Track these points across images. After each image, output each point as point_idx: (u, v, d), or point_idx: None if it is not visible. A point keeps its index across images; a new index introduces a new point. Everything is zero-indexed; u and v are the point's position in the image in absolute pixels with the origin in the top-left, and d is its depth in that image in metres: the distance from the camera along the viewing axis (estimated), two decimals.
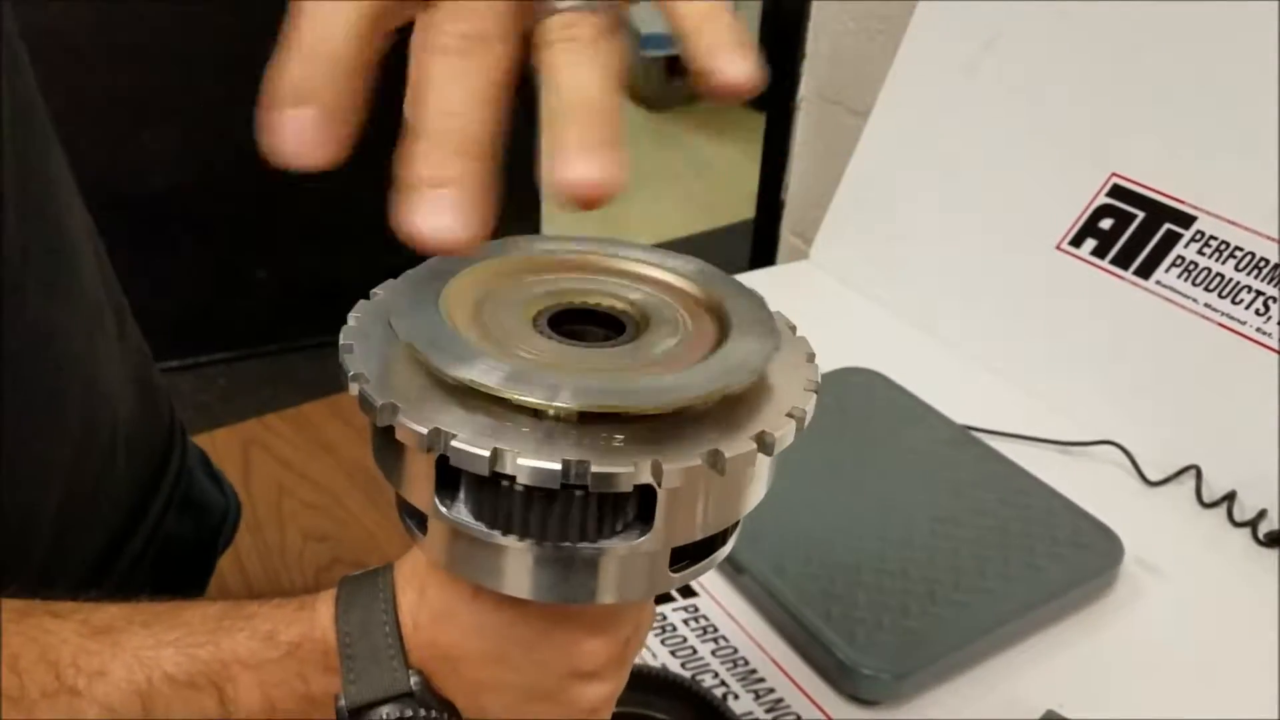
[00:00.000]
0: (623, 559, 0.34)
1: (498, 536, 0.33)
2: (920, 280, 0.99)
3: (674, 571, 0.36)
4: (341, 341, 0.35)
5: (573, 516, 0.32)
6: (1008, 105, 0.95)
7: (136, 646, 0.37)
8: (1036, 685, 0.62)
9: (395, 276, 0.39)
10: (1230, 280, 0.79)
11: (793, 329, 0.39)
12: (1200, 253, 0.81)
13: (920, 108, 1.03)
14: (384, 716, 0.37)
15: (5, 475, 0.47)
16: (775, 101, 1.29)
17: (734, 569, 0.68)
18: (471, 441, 0.30)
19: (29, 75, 0.49)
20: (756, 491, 0.36)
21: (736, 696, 0.61)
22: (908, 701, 0.61)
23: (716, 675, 0.63)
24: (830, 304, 1.03)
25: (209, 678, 0.37)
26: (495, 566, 0.35)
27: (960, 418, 0.81)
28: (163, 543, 0.60)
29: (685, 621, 0.66)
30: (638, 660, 0.55)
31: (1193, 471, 0.78)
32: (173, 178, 1.95)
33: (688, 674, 0.62)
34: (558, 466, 0.30)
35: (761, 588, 0.66)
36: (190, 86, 1.90)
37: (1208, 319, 0.80)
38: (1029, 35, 0.94)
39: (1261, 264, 0.78)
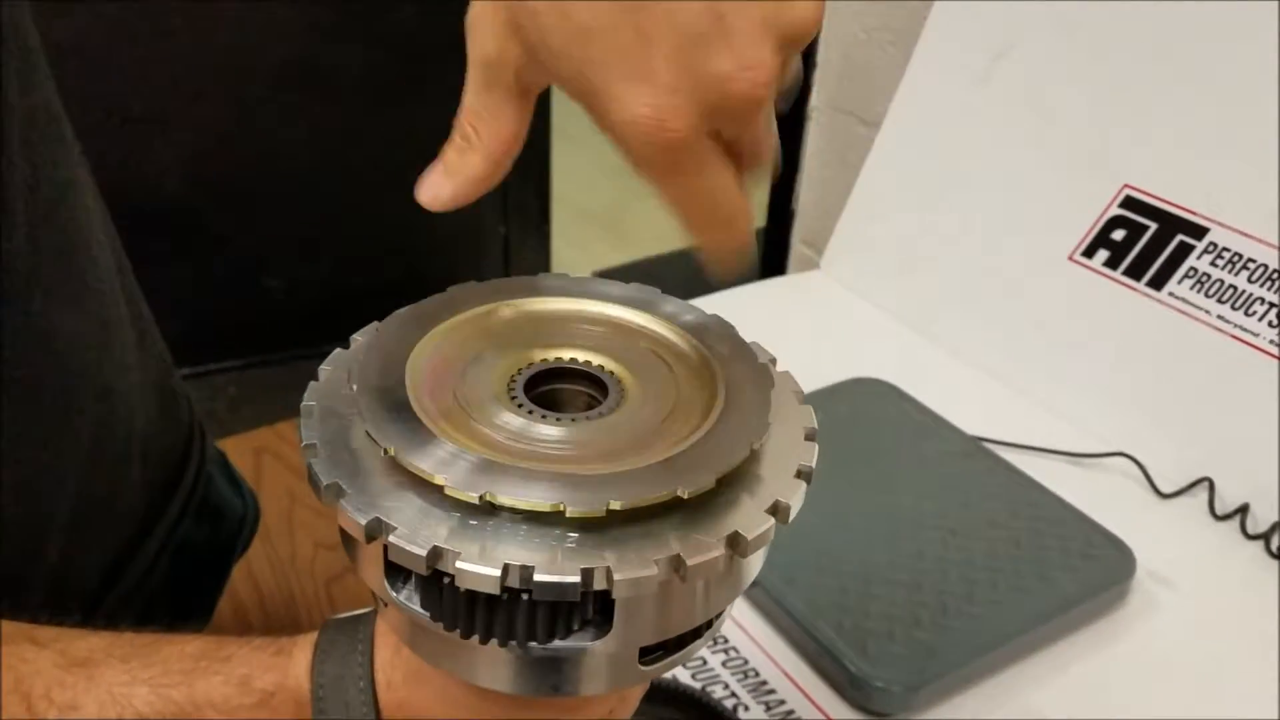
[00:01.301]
0: (582, 658, 0.32)
1: (444, 630, 0.31)
2: (931, 291, 0.99)
3: (645, 664, 0.33)
4: (304, 402, 0.33)
5: (518, 620, 0.30)
6: (1019, 116, 0.95)
7: (111, 682, 0.36)
8: (1048, 698, 0.62)
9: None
10: (1243, 292, 0.79)
11: (798, 395, 0.36)
12: (1213, 264, 0.81)
13: (932, 118, 1.02)
14: None
15: (15, 482, 0.47)
16: (787, 111, 1.29)
17: None
18: (410, 539, 0.28)
19: (46, 80, 0.49)
20: (740, 582, 0.33)
21: (747, 708, 0.61)
22: (919, 714, 0.61)
23: (727, 687, 0.62)
24: (841, 314, 1.03)
25: None
26: (450, 655, 0.33)
27: (971, 429, 0.81)
28: (177, 549, 0.60)
29: None
30: None
31: (1205, 484, 0.77)
32: (184, 187, 1.96)
33: (698, 685, 0.62)
34: (497, 573, 0.28)
35: (772, 599, 0.66)
36: (202, 97, 1.90)
37: (1221, 331, 0.80)
38: (1040, 46, 0.94)
39: (1275, 276, 0.78)
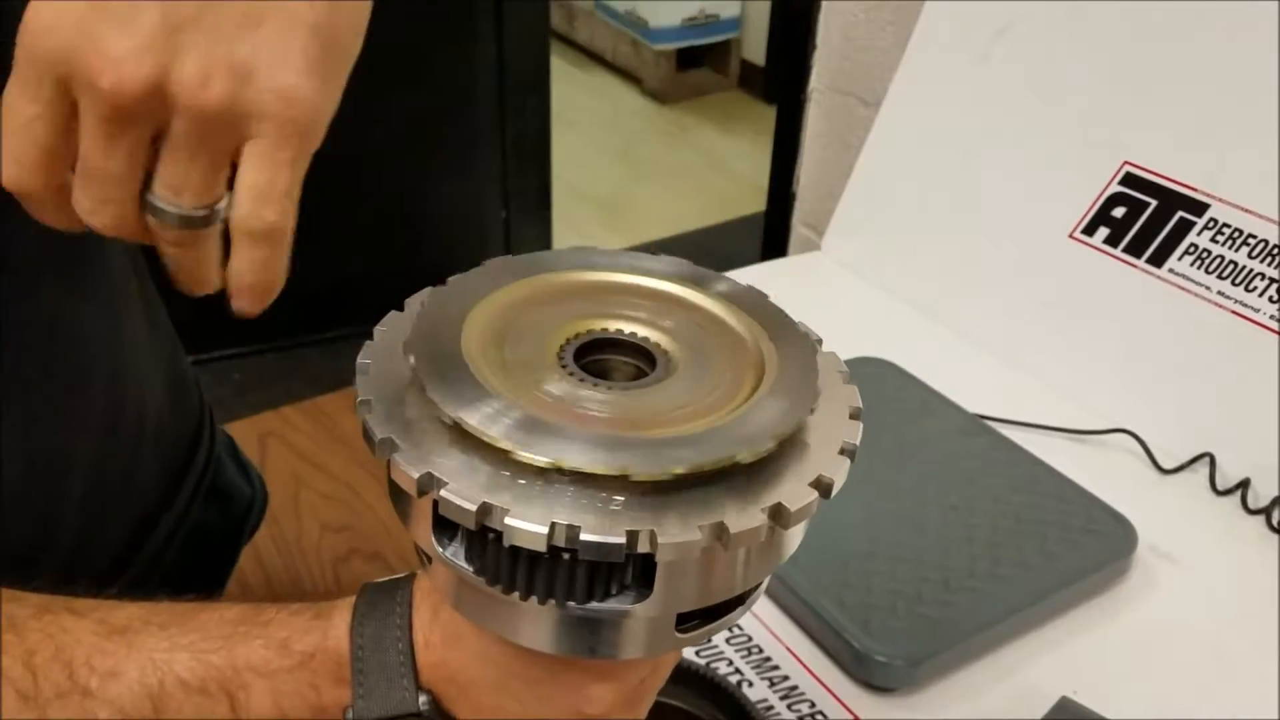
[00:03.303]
0: (621, 621, 0.32)
1: (489, 587, 0.32)
2: (932, 270, 0.99)
3: (682, 632, 0.34)
4: (359, 360, 0.34)
5: (562, 578, 0.30)
6: (1019, 94, 0.95)
7: (151, 648, 0.37)
8: (1051, 672, 0.63)
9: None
10: (1244, 268, 0.79)
11: (844, 375, 0.37)
12: (1213, 240, 0.81)
13: (932, 97, 1.02)
14: None
15: (29, 462, 0.47)
16: (786, 93, 1.29)
17: None
18: (461, 493, 0.29)
19: None
20: (780, 554, 0.34)
21: (751, 684, 0.62)
22: (922, 688, 0.62)
23: (731, 663, 0.63)
24: (842, 295, 1.03)
25: (221, 684, 0.37)
26: (493, 612, 0.34)
27: (973, 407, 0.81)
28: (188, 531, 0.61)
29: None
30: None
31: (1206, 459, 0.78)
32: None
33: (702, 662, 0.62)
34: (544, 530, 0.28)
35: (776, 576, 0.66)
36: None
37: (1221, 307, 0.80)
38: (1040, 24, 0.94)
39: (1275, 251, 0.78)
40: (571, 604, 0.31)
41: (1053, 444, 0.80)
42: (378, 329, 0.35)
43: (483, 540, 0.30)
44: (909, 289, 1.00)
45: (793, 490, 0.31)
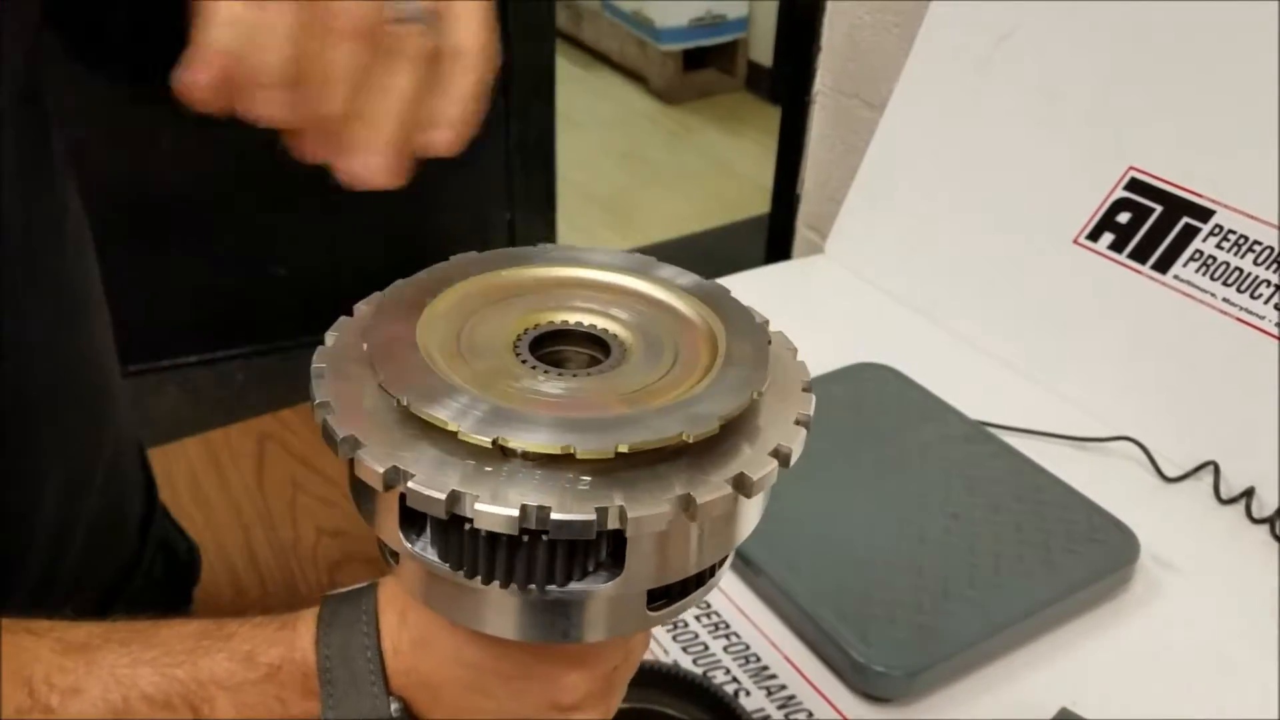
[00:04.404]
0: (594, 601, 0.33)
1: (462, 577, 0.32)
2: (936, 274, 0.99)
3: (653, 610, 0.35)
4: (314, 364, 0.34)
5: (535, 561, 0.31)
6: (1024, 98, 0.94)
7: (113, 664, 0.37)
8: (1051, 683, 0.62)
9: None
10: (1249, 274, 0.78)
11: (793, 352, 0.37)
12: (1219, 247, 0.80)
13: (936, 101, 1.02)
14: None
15: (56, 488, 0.47)
16: (791, 95, 1.29)
17: (747, 565, 0.67)
18: (429, 483, 0.29)
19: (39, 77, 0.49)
20: (742, 528, 0.35)
21: (748, 693, 0.61)
22: (921, 699, 0.61)
23: (728, 672, 0.63)
24: (845, 298, 1.02)
25: (185, 698, 0.36)
26: (464, 604, 0.34)
27: (975, 413, 0.81)
28: (150, 583, 0.61)
29: (697, 618, 0.66)
30: (648, 656, 0.55)
31: (1210, 468, 0.77)
32: (191, 176, 1.96)
33: (699, 671, 0.62)
34: (515, 513, 0.29)
35: (774, 584, 0.66)
36: None
37: (1226, 313, 0.79)
38: (1045, 27, 0.93)
39: None
40: (548, 587, 0.31)
41: (1055, 451, 0.80)
42: (329, 334, 0.36)
43: (453, 528, 0.31)
44: (912, 293, 1.00)
45: (753, 460, 0.32)
